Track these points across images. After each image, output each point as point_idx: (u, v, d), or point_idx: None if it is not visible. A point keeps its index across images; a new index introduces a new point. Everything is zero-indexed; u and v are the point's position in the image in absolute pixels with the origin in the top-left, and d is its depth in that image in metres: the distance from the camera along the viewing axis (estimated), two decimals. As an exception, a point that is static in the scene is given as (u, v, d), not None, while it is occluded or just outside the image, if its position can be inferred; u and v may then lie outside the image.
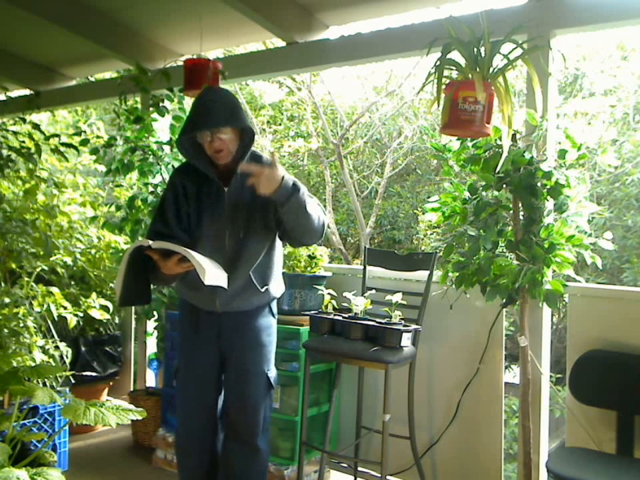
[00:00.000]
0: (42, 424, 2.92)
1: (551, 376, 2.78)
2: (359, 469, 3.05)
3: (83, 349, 3.79)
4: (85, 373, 3.76)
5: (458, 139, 2.59)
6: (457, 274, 2.57)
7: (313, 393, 2.97)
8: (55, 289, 3.39)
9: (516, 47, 2.13)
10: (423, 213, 6.27)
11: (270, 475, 2.79)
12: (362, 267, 3.02)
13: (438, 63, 2.13)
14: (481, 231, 2.47)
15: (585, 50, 7.46)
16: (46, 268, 3.61)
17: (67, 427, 3.07)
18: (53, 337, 3.31)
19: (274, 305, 2.39)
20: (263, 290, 2.27)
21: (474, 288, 2.58)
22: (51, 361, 3.15)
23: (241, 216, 2.22)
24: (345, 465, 3.15)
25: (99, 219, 3.88)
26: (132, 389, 3.97)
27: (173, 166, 3.48)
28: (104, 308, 3.62)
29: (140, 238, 3.43)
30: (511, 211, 2.51)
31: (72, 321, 3.35)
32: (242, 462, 2.31)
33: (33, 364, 2.93)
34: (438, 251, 2.79)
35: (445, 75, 2.15)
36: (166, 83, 3.53)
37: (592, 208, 2.44)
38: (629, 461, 2.27)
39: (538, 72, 2.20)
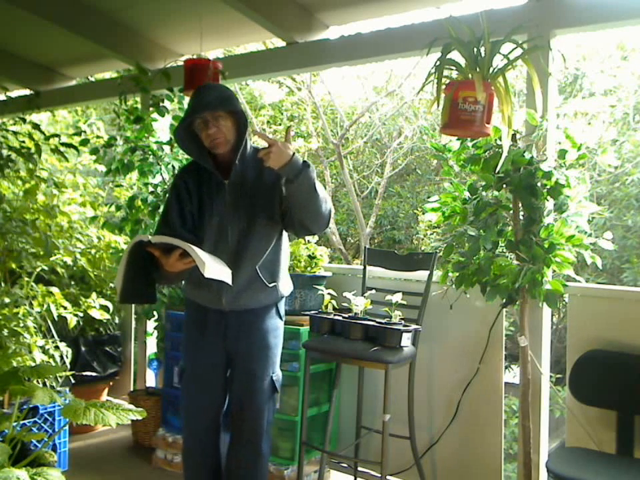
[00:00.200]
0: (42, 424, 2.92)
1: (551, 376, 2.78)
2: (359, 468, 3.05)
3: (83, 348, 3.79)
4: (85, 373, 3.76)
5: (458, 139, 2.59)
6: (457, 274, 2.57)
7: (313, 392, 2.97)
8: (55, 289, 3.39)
9: (516, 47, 2.13)
10: (423, 213, 6.27)
11: (270, 475, 2.79)
12: (362, 267, 3.02)
13: (438, 63, 2.13)
14: (481, 231, 2.47)
15: (585, 50, 7.46)
16: (46, 268, 3.61)
17: (67, 427, 3.07)
18: (53, 336, 3.31)
19: (281, 306, 2.36)
20: (270, 286, 2.25)
21: (474, 288, 2.58)
22: (50, 361, 3.15)
23: (243, 208, 2.20)
24: (345, 465, 3.15)
25: (99, 219, 3.88)
26: (132, 389, 3.97)
27: (173, 166, 3.48)
28: (104, 308, 3.62)
29: (140, 238, 3.43)
30: (511, 211, 2.51)
31: (72, 321, 3.35)
32: (246, 464, 2.30)
33: (33, 364, 2.93)
34: (438, 251, 2.79)
35: (445, 75, 2.15)
36: (166, 83, 3.53)
37: (592, 208, 2.44)
38: (629, 461, 2.27)
39: (538, 72, 2.20)
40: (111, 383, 4.02)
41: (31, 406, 2.68)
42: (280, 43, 3.65)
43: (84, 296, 3.64)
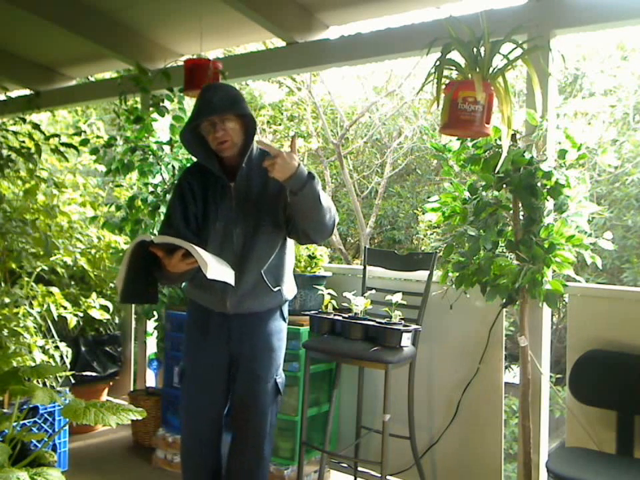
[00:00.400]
0: (42, 424, 2.92)
1: (551, 376, 2.78)
2: (359, 468, 3.05)
3: (83, 348, 3.79)
4: (85, 373, 3.76)
5: (458, 139, 2.59)
6: (457, 274, 2.57)
7: (313, 392, 2.97)
8: (55, 289, 3.39)
9: (516, 47, 2.13)
10: (423, 213, 6.28)
11: (270, 475, 2.78)
12: (362, 267, 3.02)
13: (438, 63, 2.13)
14: (481, 231, 2.47)
15: (585, 50, 7.46)
16: (46, 268, 3.61)
17: (67, 427, 3.07)
18: (52, 336, 3.31)
19: (285, 309, 2.35)
20: (275, 290, 2.23)
21: (474, 288, 2.58)
22: (50, 361, 3.15)
23: (249, 212, 2.18)
24: (345, 465, 3.15)
25: (99, 219, 3.88)
26: (132, 389, 3.97)
27: (173, 166, 3.48)
28: (104, 308, 3.62)
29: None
30: (511, 211, 2.51)
31: (72, 321, 3.35)
32: (248, 465, 2.29)
33: (33, 364, 2.93)
34: (438, 251, 2.79)
35: (445, 75, 2.15)
36: (166, 83, 3.53)
37: (592, 208, 2.44)
38: (629, 461, 2.27)
39: (538, 72, 2.20)
40: (111, 383, 4.02)
41: (30, 406, 2.68)
42: (280, 42, 3.65)
43: (84, 296, 3.65)
